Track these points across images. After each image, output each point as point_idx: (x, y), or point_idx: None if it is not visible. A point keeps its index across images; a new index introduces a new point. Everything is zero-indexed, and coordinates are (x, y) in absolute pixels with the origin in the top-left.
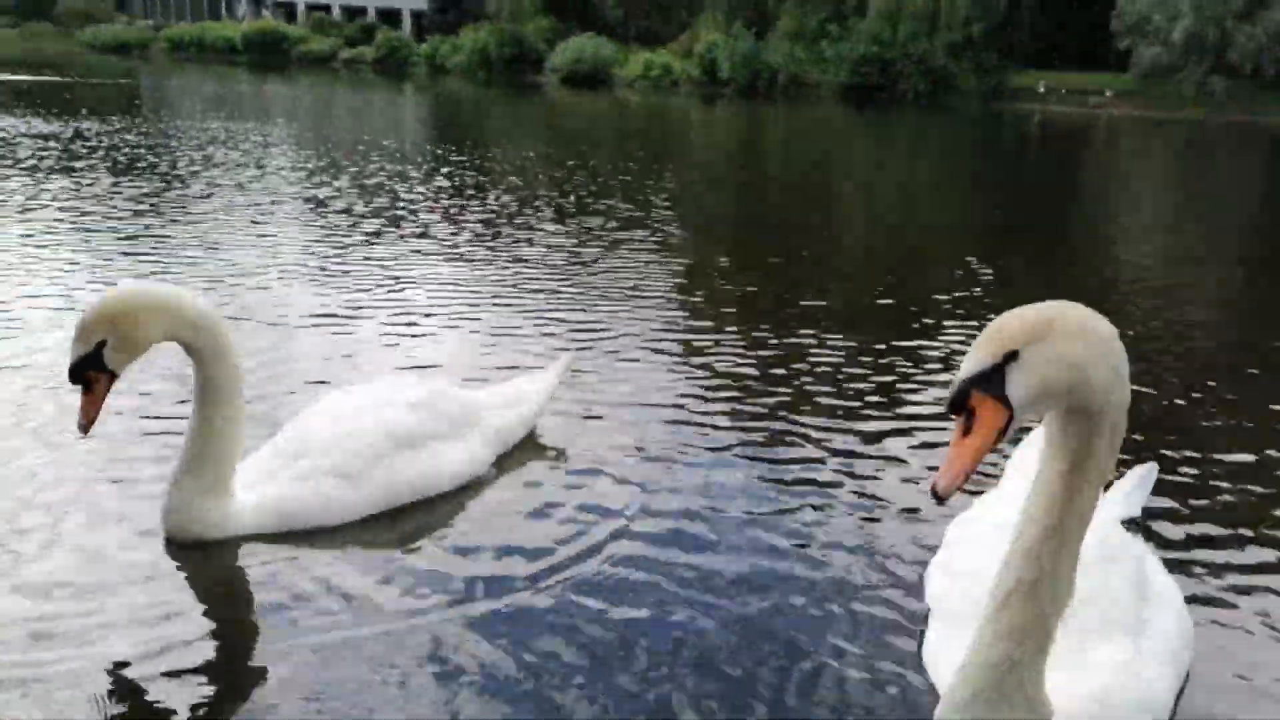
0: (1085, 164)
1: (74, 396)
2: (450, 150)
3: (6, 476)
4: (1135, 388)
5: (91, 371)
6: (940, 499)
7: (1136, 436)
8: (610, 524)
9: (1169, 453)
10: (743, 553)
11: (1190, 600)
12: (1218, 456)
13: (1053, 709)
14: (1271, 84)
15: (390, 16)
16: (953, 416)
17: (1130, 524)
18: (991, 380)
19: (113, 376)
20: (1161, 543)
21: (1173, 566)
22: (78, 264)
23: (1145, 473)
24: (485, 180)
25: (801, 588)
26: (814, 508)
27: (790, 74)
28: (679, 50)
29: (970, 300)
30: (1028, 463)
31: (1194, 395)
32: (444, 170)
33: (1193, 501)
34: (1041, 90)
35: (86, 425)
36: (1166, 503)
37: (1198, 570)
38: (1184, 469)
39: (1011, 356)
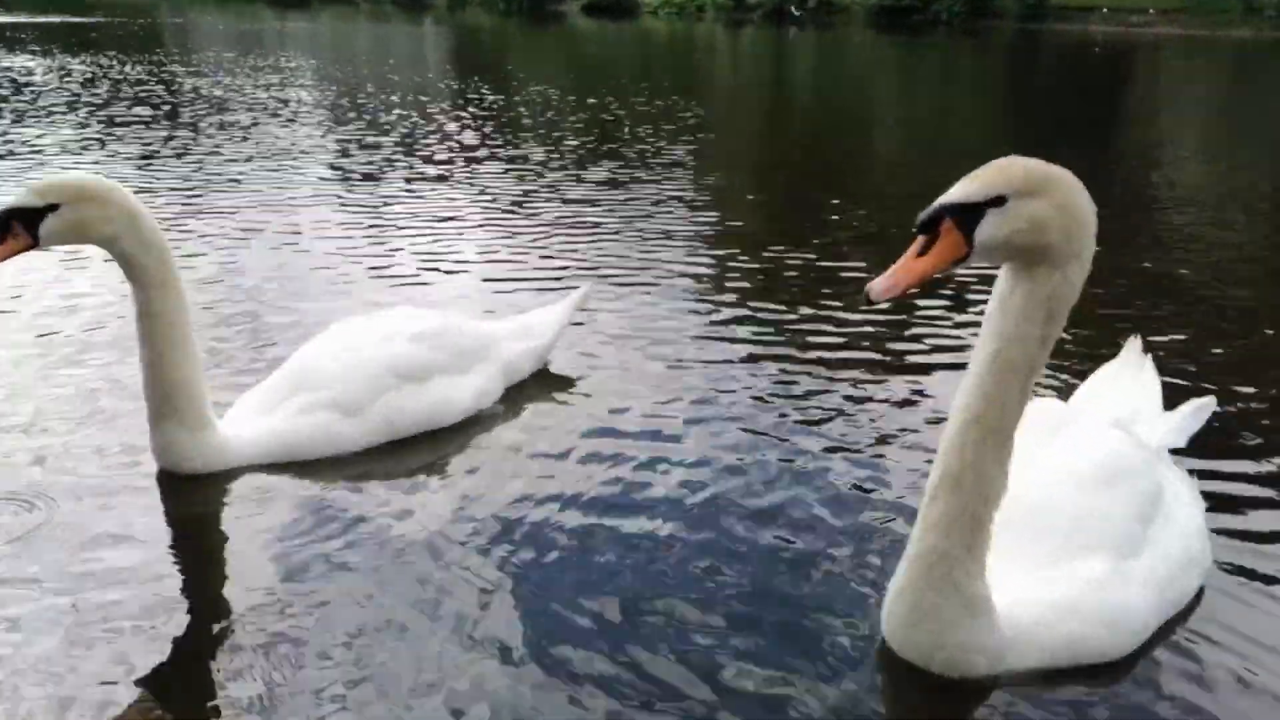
0: (1129, 87)
1: (65, 342)
2: (469, 84)
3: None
4: (1190, 322)
5: (19, 225)
6: (870, 303)
7: (1189, 367)
8: (618, 463)
9: (1229, 387)
10: (750, 491)
11: (1222, 532)
12: (1274, 392)
13: (993, 607)
14: None
15: None
16: (916, 233)
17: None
18: (968, 214)
19: (30, 245)
20: (1204, 474)
21: (1215, 498)
22: None
23: (1200, 405)
24: (506, 114)
25: (808, 523)
26: (824, 442)
27: None
28: None
29: None
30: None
31: (1250, 332)
32: (463, 104)
33: (1247, 437)
34: (1104, 11)
35: None
36: (1221, 437)
37: (1237, 503)
38: (1242, 404)
39: (998, 201)
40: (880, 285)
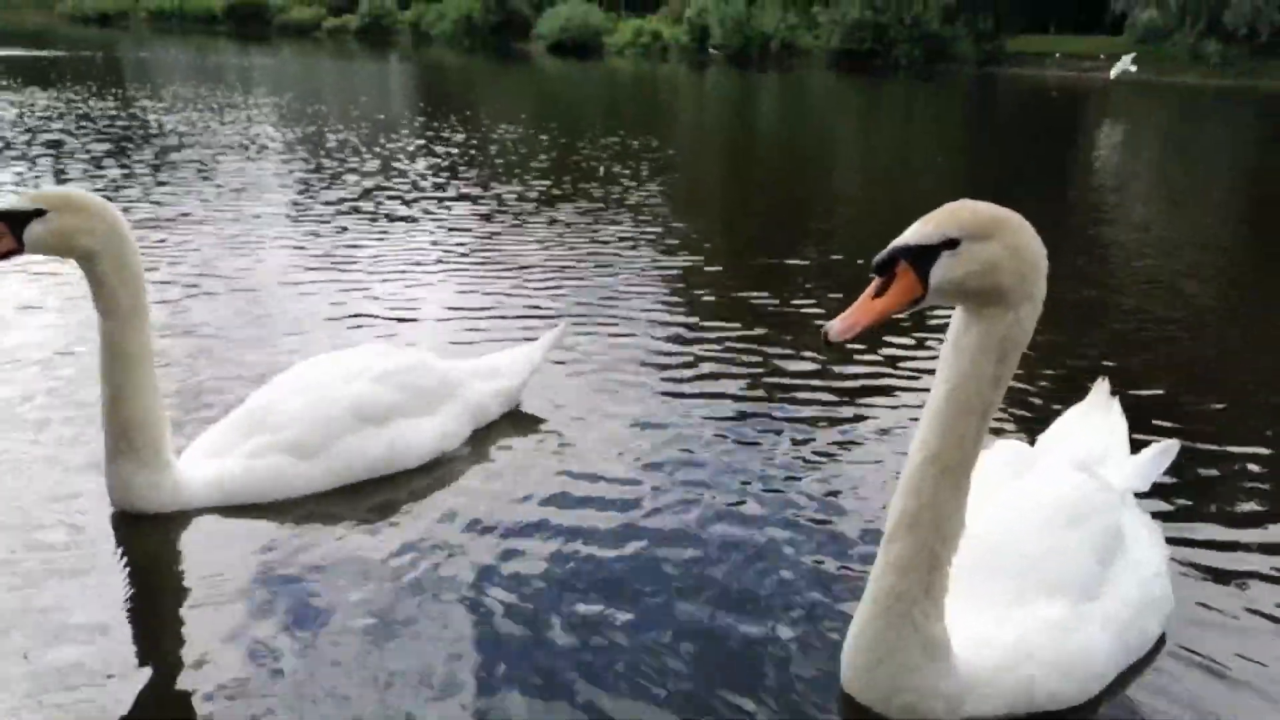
0: (1085, 130)
1: (22, 380)
2: (437, 122)
3: None
4: (1157, 365)
5: (6, 229)
6: (829, 344)
7: (1156, 410)
8: (584, 506)
9: (1196, 430)
10: (714, 535)
11: (1185, 576)
12: (1240, 436)
13: (951, 650)
14: (1267, 48)
15: None
16: (873, 276)
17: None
18: (922, 256)
19: (15, 248)
20: (1169, 518)
21: (1180, 543)
22: None
23: (1164, 449)
24: (474, 153)
25: (773, 567)
26: (792, 484)
27: (782, 40)
28: (670, 16)
29: None
30: (1065, 426)
31: (1215, 375)
32: (431, 143)
33: (1209, 481)
34: (1056, 56)
35: None
36: (1185, 480)
37: (1202, 548)
38: (1208, 447)
39: (951, 243)
40: (838, 326)
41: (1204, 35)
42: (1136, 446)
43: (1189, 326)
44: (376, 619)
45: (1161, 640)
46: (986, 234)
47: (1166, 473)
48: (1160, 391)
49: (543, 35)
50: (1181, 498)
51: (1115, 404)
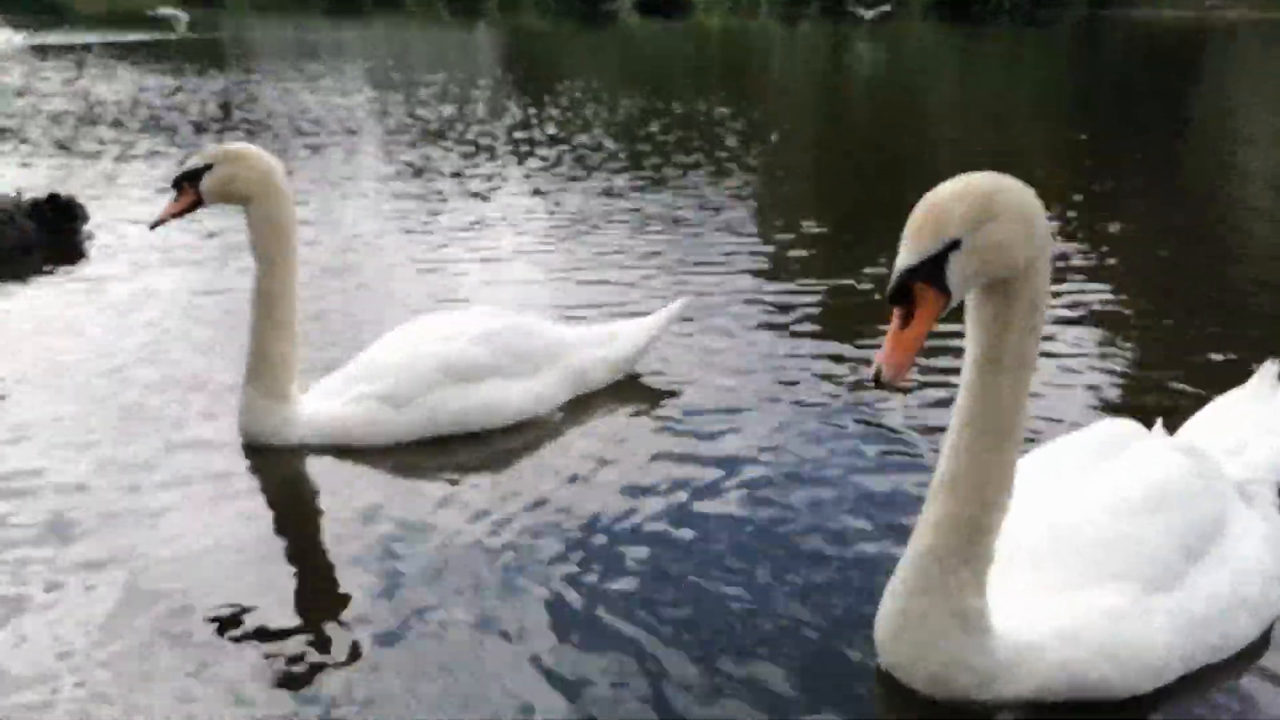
0: (1212, 75)
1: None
2: (529, 93)
3: (99, 378)
4: None
5: (188, 184)
6: (882, 385)
7: None
8: (667, 480)
9: None
10: (805, 518)
11: None
12: None
13: (989, 626)
14: None
15: None
16: (892, 305)
17: None
18: (931, 269)
19: (197, 200)
20: None
21: None
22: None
23: None
24: (570, 124)
25: (869, 552)
26: (912, 470)
27: None
28: None
29: (1082, 238)
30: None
31: None
32: (529, 115)
33: None
34: None
35: (156, 224)
36: None
37: None
38: None
39: (954, 244)
40: (889, 370)
41: None
42: None
43: None
44: (450, 568)
45: (1265, 644)
46: (986, 217)
47: None
48: None
49: None
50: None
51: None
